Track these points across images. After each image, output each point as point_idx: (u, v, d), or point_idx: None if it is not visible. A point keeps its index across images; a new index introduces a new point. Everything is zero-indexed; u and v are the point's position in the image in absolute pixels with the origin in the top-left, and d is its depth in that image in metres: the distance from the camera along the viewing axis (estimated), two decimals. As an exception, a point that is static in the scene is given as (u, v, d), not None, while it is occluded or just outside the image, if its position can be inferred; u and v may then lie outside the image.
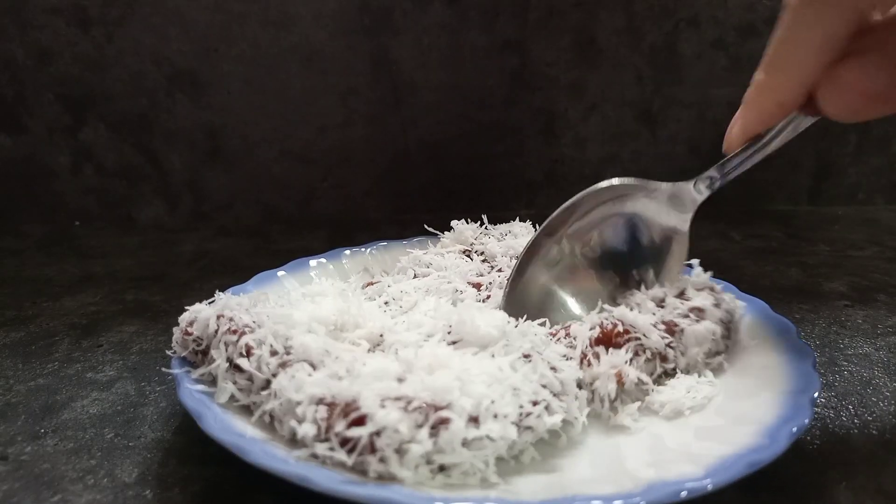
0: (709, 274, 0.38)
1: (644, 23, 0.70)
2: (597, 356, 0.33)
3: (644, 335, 0.33)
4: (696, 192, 0.35)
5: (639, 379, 0.32)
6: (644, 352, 0.33)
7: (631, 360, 0.33)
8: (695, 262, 0.38)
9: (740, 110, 0.32)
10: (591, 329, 0.34)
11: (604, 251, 0.38)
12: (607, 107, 0.73)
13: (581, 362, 0.33)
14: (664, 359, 0.34)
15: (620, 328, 0.34)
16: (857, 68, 0.27)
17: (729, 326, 0.36)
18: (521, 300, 0.37)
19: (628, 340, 0.33)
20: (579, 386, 0.31)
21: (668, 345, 0.34)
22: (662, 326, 0.34)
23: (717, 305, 0.36)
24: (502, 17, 0.69)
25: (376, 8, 0.69)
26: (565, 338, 0.34)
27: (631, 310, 0.35)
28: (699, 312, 0.35)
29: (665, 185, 0.36)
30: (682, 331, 0.34)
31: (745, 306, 0.38)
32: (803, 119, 0.31)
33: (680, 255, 0.37)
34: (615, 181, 0.36)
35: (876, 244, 0.64)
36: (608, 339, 0.33)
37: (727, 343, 0.36)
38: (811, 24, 0.27)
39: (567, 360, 0.32)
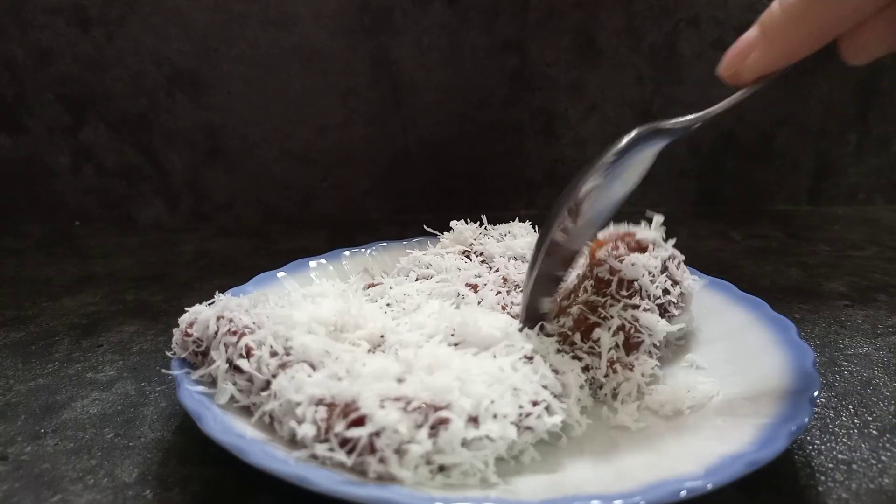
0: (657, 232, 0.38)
1: (644, 23, 0.70)
2: (629, 366, 0.34)
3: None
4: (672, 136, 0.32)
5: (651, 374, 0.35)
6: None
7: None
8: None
9: (759, 38, 0.27)
10: (613, 335, 0.34)
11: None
12: (607, 107, 0.73)
13: (609, 367, 0.34)
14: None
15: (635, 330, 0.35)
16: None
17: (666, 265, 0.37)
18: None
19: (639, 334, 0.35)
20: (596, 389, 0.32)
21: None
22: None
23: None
24: (502, 17, 0.69)
25: (376, 8, 0.68)
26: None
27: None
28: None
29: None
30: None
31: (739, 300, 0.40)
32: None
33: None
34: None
35: (876, 244, 0.64)
36: (631, 346, 0.35)
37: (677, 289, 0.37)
38: None
39: (586, 368, 0.34)
